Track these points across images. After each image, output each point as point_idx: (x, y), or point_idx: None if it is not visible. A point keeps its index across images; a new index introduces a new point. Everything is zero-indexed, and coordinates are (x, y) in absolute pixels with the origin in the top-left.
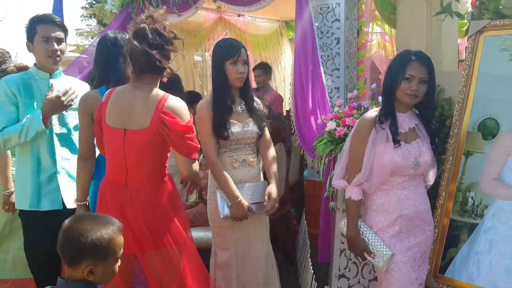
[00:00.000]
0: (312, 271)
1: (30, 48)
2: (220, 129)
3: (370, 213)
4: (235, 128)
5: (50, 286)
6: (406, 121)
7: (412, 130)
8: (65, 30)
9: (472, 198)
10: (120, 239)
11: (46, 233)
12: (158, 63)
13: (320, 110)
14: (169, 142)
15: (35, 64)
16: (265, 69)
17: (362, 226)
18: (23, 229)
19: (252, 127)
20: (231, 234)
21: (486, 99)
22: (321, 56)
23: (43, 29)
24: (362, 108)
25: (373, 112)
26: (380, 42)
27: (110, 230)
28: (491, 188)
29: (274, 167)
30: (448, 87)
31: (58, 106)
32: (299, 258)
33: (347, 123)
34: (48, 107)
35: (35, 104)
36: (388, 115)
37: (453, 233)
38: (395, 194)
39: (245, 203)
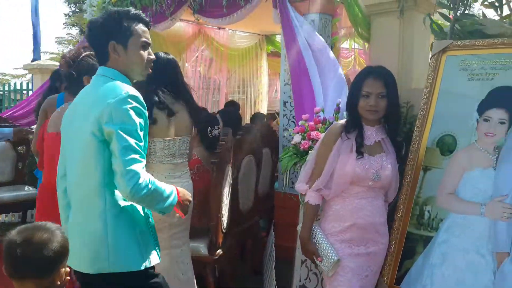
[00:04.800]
0: (275, 282)
1: (116, 52)
2: None
3: (326, 218)
4: None
5: None
6: (373, 134)
7: (378, 143)
8: None
9: (428, 211)
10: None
11: None
12: None
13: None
14: None
15: (115, 70)
16: None
17: (315, 229)
18: None
19: None
20: None
21: (446, 117)
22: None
23: (143, 32)
24: (327, 122)
25: (342, 122)
26: (357, 59)
27: (60, 233)
28: (447, 202)
29: None
30: (417, 104)
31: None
32: (265, 270)
33: (311, 136)
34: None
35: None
36: (354, 127)
37: (410, 245)
38: (351, 202)
39: None
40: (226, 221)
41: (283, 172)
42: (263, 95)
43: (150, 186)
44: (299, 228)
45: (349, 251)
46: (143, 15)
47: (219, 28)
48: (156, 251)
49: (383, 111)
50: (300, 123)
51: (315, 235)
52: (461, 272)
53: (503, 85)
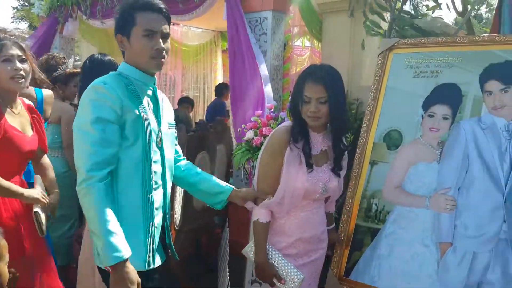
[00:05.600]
0: (229, 277)
1: (122, 44)
2: None
3: (270, 233)
4: None
5: None
6: (320, 141)
7: (324, 152)
8: (169, 22)
9: (375, 204)
10: (3, 242)
11: None
12: None
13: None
14: None
15: (126, 63)
16: None
17: (270, 250)
18: None
19: None
20: None
21: (392, 113)
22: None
23: (149, 20)
24: (280, 118)
25: (287, 126)
26: (312, 57)
27: None
28: (393, 195)
29: None
30: (366, 101)
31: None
32: (219, 266)
33: (264, 132)
34: None
35: (146, 120)
36: (301, 135)
37: (358, 238)
38: (297, 216)
39: None
40: (179, 218)
41: (237, 168)
42: None
43: (92, 191)
44: (246, 250)
45: (294, 264)
46: (155, 2)
47: (174, 24)
48: (149, 255)
49: (325, 116)
50: (252, 118)
51: (271, 256)
52: (406, 263)
53: (447, 82)
